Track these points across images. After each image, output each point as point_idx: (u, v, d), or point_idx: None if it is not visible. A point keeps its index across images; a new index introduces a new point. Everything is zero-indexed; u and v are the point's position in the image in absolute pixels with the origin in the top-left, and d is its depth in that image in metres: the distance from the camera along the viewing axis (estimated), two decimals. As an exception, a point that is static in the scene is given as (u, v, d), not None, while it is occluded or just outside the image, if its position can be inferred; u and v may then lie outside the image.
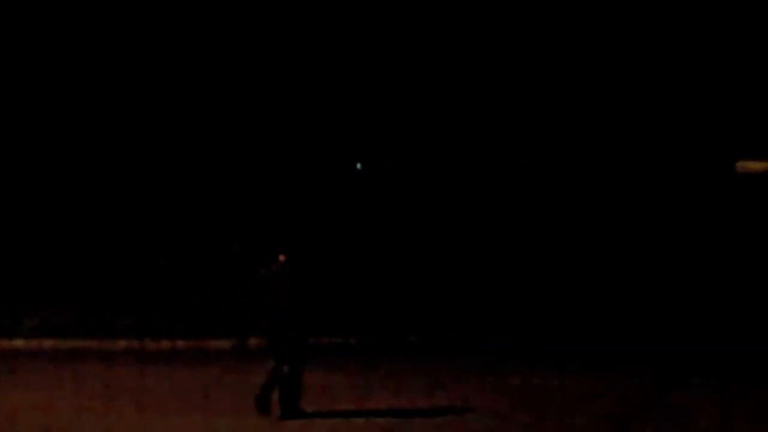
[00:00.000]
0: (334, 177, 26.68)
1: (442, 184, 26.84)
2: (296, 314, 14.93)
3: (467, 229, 26.19)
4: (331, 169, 26.72)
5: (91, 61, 26.20)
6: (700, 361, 20.41)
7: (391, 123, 26.81)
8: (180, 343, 22.40)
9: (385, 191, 26.58)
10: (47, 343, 21.69)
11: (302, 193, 25.94)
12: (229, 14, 26.28)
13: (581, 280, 25.14)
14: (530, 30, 26.83)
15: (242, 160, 26.42)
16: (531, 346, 22.42)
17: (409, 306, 24.58)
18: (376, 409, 15.57)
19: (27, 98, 26.23)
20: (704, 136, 26.68)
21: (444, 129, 26.90)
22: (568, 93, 26.99)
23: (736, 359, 20.55)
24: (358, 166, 26.46)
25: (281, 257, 15.08)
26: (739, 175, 26.71)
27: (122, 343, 22.20)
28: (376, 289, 24.76)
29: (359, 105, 26.63)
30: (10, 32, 25.88)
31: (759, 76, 26.42)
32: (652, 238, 26.04)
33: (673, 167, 26.70)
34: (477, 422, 14.81)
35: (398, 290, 24.85)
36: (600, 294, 24.77)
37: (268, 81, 26.46)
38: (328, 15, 26.36)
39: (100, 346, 21.84)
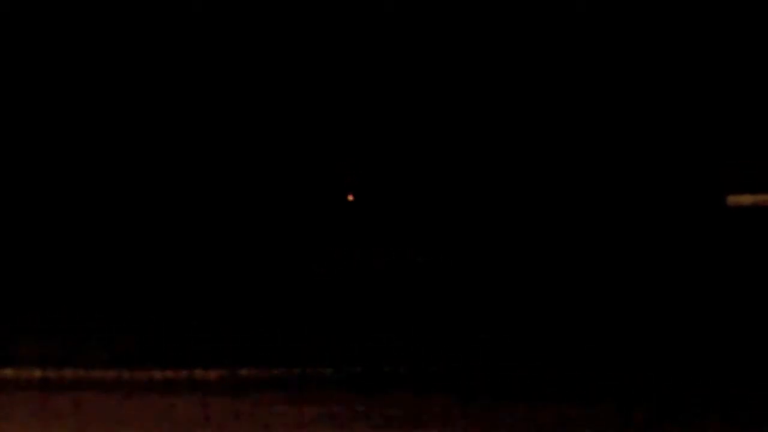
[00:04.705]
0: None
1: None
2: None
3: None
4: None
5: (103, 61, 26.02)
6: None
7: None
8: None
9: None
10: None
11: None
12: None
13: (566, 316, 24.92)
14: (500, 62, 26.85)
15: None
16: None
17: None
18: None
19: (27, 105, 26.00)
20: (694, 169, 26.63)
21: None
22: (553, 116, 26.93)
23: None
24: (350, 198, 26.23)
25: None
26: (730, 208, 26.66)
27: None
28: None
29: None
30: (9, 32, 25.61)
31: (750, 110, 26.41)
32: (641, 273, 25.90)
33: (663, 200, 26.62)
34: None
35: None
36: (589, 327, 24.52)
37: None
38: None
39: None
